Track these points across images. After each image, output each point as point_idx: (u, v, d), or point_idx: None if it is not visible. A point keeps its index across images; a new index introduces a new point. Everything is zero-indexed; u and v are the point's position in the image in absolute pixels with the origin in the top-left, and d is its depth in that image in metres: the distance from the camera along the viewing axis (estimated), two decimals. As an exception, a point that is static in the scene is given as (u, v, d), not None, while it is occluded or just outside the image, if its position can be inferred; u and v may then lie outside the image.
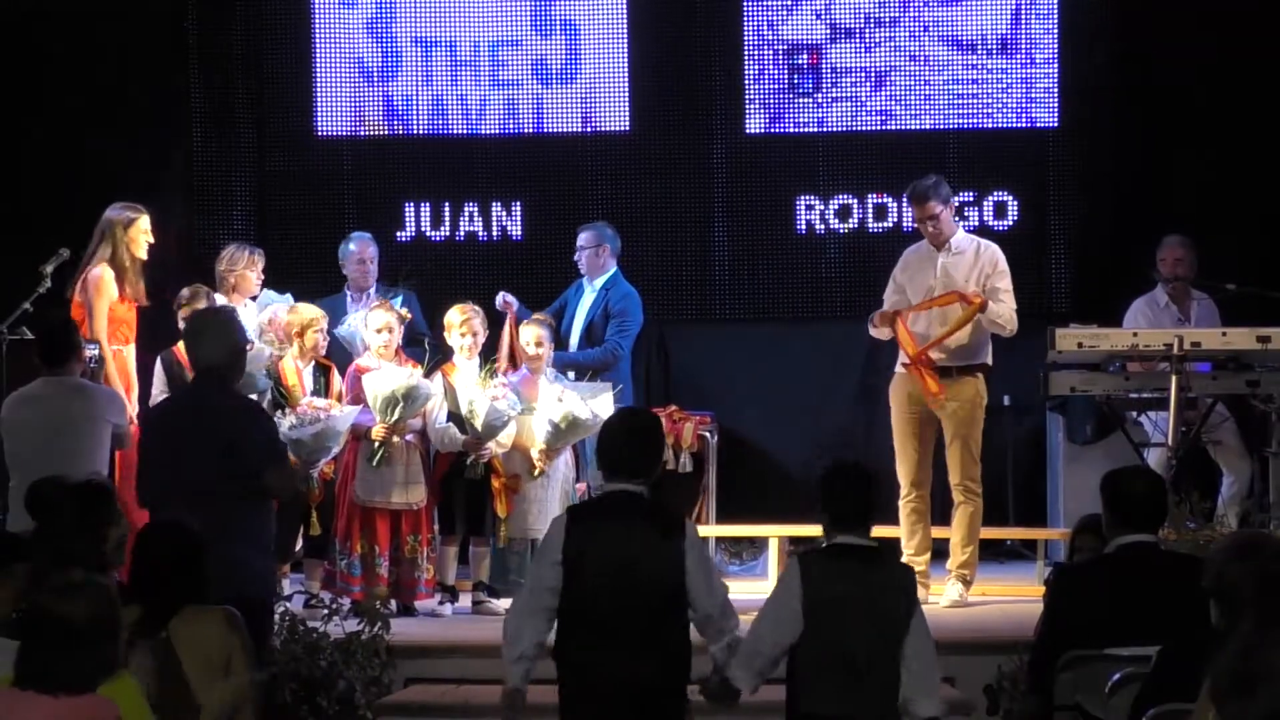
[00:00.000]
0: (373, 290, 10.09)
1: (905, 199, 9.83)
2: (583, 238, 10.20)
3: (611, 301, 10.08)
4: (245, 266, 9.61)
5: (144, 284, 9.33)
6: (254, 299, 9.70)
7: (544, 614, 5.78)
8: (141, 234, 9.28)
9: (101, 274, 9.18)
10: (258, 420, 7.02)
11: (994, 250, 9.44)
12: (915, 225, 9.67)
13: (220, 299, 9.47)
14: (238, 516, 6.68)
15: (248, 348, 7.35)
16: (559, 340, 9.79)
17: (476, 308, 9.37)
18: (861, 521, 5.70)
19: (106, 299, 9.17)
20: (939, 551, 9.62)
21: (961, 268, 9.33)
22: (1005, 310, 9.27)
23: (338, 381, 9.21)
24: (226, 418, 6.80)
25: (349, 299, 10.06)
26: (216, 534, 6.01)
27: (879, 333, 9.36)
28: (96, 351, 8.89)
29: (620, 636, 5.66)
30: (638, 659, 5.65)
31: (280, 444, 7.23)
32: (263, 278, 9.75)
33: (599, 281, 10.14)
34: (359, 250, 10.16)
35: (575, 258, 10.20)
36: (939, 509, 9.48)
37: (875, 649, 5.57)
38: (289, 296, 9.71)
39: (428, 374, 9.16)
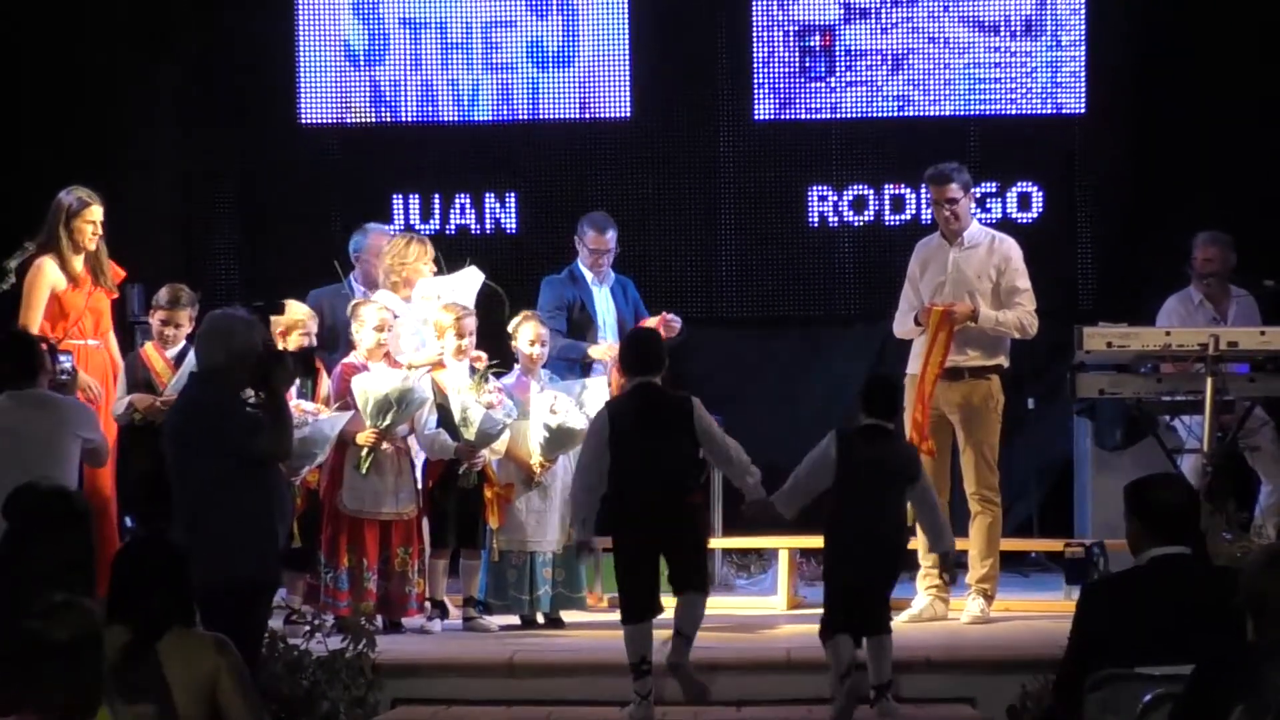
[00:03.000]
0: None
1: (924, 184, 9.83)
2: (614, 235, 10.07)
3: (631, 294, 10.12)
4: (417, 259, 9.56)
5: (106, 271, 9.32)
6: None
7: (598, 486, 7.92)
8: (88, 224, 9.21)
9: (41, 264, 9.18)
10: (241, 408, 7.18)
11: (1009, 244, 9.40)
12: (930, 210, 9.65)
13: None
14: (226, 492, 6.89)
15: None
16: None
17: (468, 307, 9.39)
18: (887, 414, 7.98)
19: (45, 289, 9.13)
20: (958, 565, 9.64)
21: (974, 263, 9.31)
22: (1012, 317, 9.21)
23: (325, 383, 9.20)
24: (212, 413, 7.05)
25: (356, 293, 9.79)
26: (202, 511, 6.21)
27: (914, 332, 9.36)
28: (69, 364, 8.90)
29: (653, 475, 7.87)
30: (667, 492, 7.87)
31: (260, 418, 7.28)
32: (434, 269, 9.61)
33: (609, 277, 10.07)
34: (375, 242, 9.90)
35: (601, 259, 9.99)
36: (958, 520, 9.45)
37: (889, 500, 7.83)
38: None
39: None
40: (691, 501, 8.04)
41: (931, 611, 9.22)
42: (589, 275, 10.06)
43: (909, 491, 7.91)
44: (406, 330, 9.35)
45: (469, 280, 9.53)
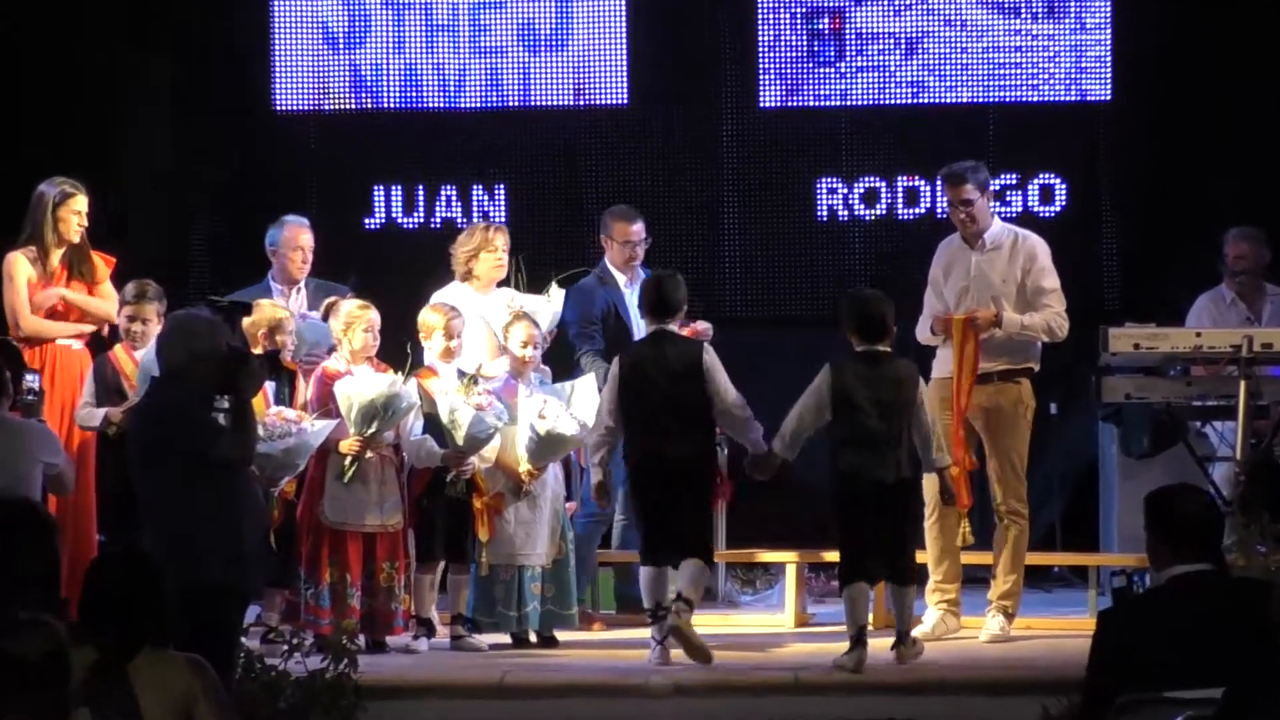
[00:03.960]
0: (304, 285, 9.92)
1: (938, 182, 9.87)
2: (643, 225, 10.03)
3: None
4: (480, 248, 9.60)
5: (88, 264, 9.40)
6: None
7: (615, 430, 8.79)
8: (73, 214, 9.33)
9: (14, 258, 9.30)
10: (202, 411, 7.26)
11: (1034, 242, 9.38)
12: (946, 212, 9.69)
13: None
14: (189, 497, 7.04)
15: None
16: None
17: (456, 307, 9.44)
18: (880, 336, 8.55)
19: (18, 285, 9.27)
20: (977, 579, 9.68)
21: (998, 265, 9.30)
22: (1039, 320, 9.21)
23: (303, 388, 9.21)
24: (173, 417, 7.17)
25: (274, 291, 9.77)
26: (164, 517, 6.41)
27: (936, 339, 9.40)
28: (36, 383, 8.97)
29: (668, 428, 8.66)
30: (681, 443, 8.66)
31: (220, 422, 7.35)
32: (500, 260, 9.64)
33: (640, 275, 9.92)
34: (292, 235, 9.89)
35: (634, 253, 9.94)
36: (983, 534, 9.43)
37: (893, 431, 8.45)
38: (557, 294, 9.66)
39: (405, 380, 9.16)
40: (699, 456, 8.71)
41: (943, 627, 9.25)
42: (620, 276, 10.00)
43: (913, 419, 8.45)
44: (471, 331, 9.44)
45: (551, 303, 9.61)
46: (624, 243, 9.97)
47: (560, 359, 9.89)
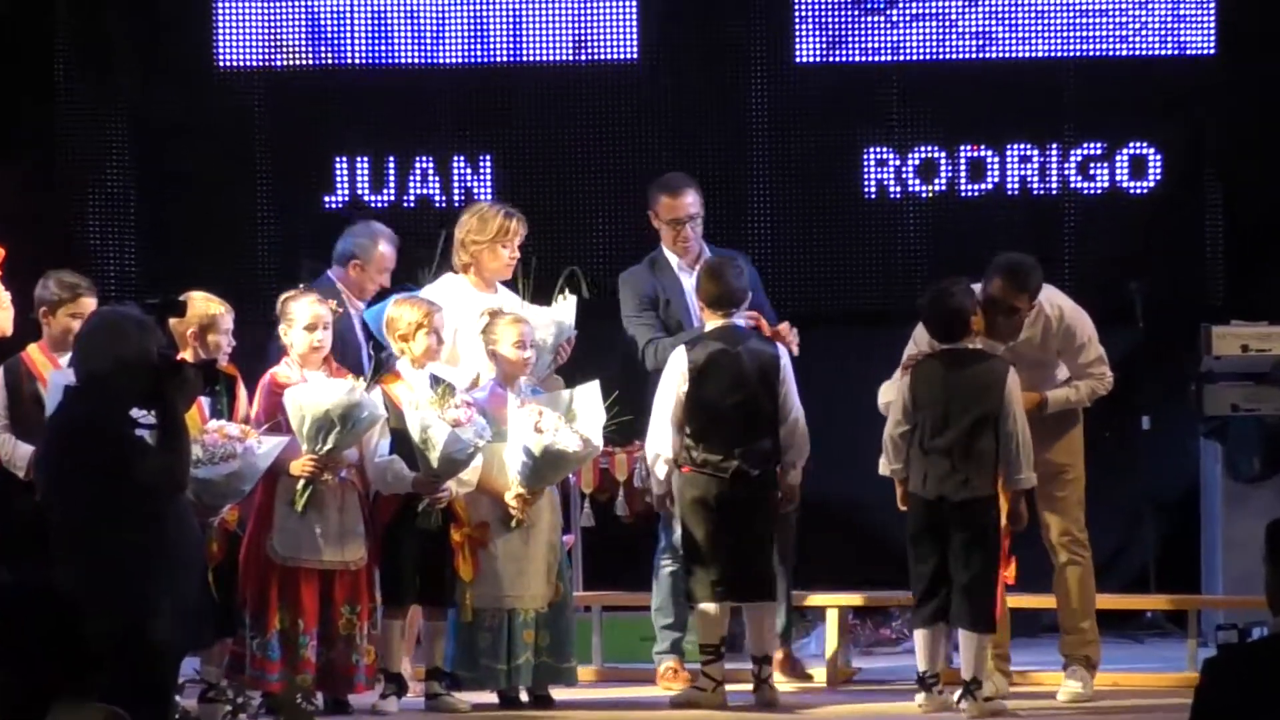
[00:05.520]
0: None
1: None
2: (696, 196, 9.83)
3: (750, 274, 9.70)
4: (493, 235, 9.57)
5: None
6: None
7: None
8: None
9: None
10: (126, 427, 7.24)
11: (1069, 317, 9.17)
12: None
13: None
14: (109, 528, 7.03)
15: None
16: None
17: (436, 302, 9.38)
18: (955, 332, 8.79)
19: None
20: (1048, 627, 9.69)
21: (1032, 349, 9.15)
22: (1085, 390, 9.17)
23: (244, 397, 9.15)
24: (91, 433, 7.14)
25: (344, 298, 9.70)
26: (80, 552, 6.45)
27: None
28: None
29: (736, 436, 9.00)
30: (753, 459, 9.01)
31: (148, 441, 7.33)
32: (513, 253, 9.64)
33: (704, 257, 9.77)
34: (384, 256, 9.86)
35: (685, 231, 9.77)
36: (1043, 574, 9.44)
37: (977, 438, 8.67)
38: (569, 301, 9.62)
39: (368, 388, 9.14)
40: (772, 475, 9.01)
41: (992, 688, 9.15)
42: (673, 260, 9.90)
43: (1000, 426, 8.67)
44: (471, 336, 9.45)
45: (562, 313, 9.60)
46: (671, 220, 9.85)
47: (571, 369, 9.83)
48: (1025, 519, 8.94)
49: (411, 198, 11.87)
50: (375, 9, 11.85)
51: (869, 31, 11.74)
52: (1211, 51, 11.64)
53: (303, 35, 11.88)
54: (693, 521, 9.07)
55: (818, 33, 11.76)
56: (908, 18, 11.72)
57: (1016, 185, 11.52)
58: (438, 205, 11.82)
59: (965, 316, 8.79)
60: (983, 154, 11.72)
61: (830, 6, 11.74)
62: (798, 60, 11.78)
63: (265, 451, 8.80)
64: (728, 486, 8.97)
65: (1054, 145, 11.60)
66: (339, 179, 11.87)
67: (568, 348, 9.68)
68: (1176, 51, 11.67)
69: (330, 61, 11.91)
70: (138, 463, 7.14)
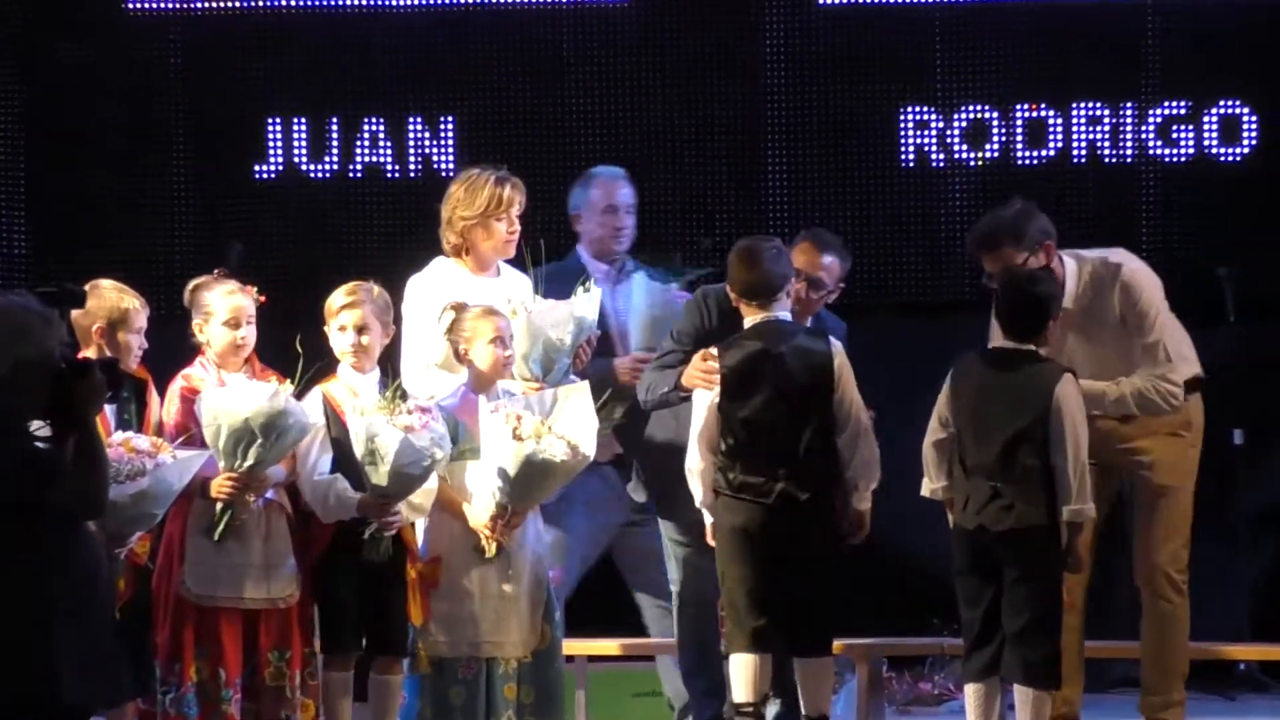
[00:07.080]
0: (627, 263, 10.06)
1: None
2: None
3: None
4: (485, 207, 9.49)
5: None
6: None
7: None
8: None
9: None
10: (23, 440, 7.14)
11: (1125, 275, 9.18)
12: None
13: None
14: (6, 558, 6.88)
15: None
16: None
17: (373, 286, 9.31)
18: (1028, 334, 8.70)
19: None
20: (1121, 680, 9.87)
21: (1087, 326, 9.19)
22: (1123, 388, 9.10)
23: (155, 405, 9.15)
24: None
25: (593, 271, 9.88)
26: None
27: None
28: None
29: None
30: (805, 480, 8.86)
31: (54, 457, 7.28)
32: (515, 226, 9.59)
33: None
34: (606, 192, 10.07)
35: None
36: (1125, 616, 9.56)
37: (1011, 452, 8.63)
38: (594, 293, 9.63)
39: (299, 392, 9.12)
40: (821, 506, 8.84)
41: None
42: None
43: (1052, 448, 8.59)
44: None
45: (584, 307, 9.59)
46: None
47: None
48: (1083, 562, 8.86)
49: (357, 166, 11.96)
50: (315, -62, 11.95)
51: (906, -34, 11.84)
52: (1319, -6, 11.72)
53: (226, -31, 11.96)
54: (728, 556, 8.96)
55: (845, -33, 11.85)
56: (952, -52, 11.82)
57: (1084, 152, 11.59)
58: (389, 175, 11.95)
59: (1045, 311, 8.74)
60: (1043, 113, 11.77)
61: (859, -64, 11.84)
62: (821, 1, 11.85)
63: (178, 466, 8.75)
64: (771, 514, 8.82)
65: (1129, 104, 11.68)
66: (272, 144, 11.96)
67: (589, 349, 9.61)
68: (1277, -7, 11.74)
69: (260, 4, 11.97)
70: (46, 484, 7.02)
